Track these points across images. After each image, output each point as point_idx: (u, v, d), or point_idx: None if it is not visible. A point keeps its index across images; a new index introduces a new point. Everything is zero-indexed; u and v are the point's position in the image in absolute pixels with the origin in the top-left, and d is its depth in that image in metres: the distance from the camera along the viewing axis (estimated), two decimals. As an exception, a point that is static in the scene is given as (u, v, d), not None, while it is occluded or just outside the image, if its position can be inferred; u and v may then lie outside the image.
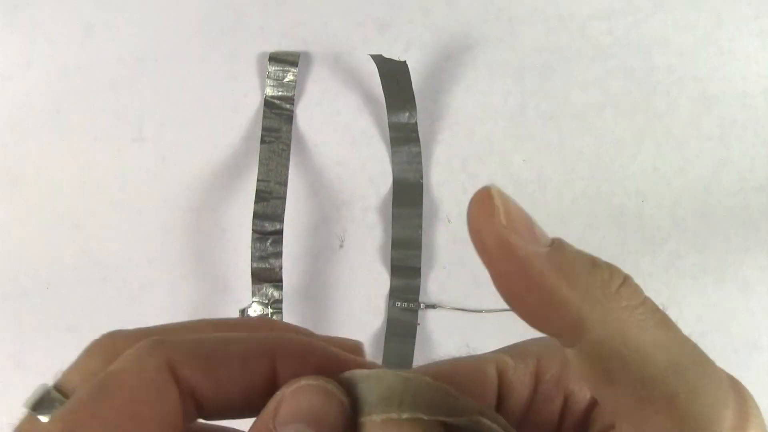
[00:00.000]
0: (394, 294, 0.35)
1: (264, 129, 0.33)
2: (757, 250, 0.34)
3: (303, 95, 0.34)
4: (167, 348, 0.15)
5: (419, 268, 0.34)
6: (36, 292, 0.33)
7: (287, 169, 0.33)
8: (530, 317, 0.14)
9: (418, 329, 0.35)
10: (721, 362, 0.14)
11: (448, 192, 0.34)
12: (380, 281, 0.34)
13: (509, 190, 0.38)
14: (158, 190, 0.33)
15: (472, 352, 0.17)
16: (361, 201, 0.34)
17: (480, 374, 0.17)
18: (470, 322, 0.34)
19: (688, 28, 0.34)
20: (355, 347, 0.17)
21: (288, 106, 0.34)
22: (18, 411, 0.17)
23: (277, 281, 0.33)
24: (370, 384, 0.15)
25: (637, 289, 0.14)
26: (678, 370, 0.14)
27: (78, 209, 0.33)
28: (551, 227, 0.32)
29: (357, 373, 0.15)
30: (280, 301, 0.33)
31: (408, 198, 0.34)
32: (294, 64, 0.34)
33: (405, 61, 0.32)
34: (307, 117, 0.34)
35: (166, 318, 0.34)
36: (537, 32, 0.34)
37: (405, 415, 0.15)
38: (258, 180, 0.33)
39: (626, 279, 0.14)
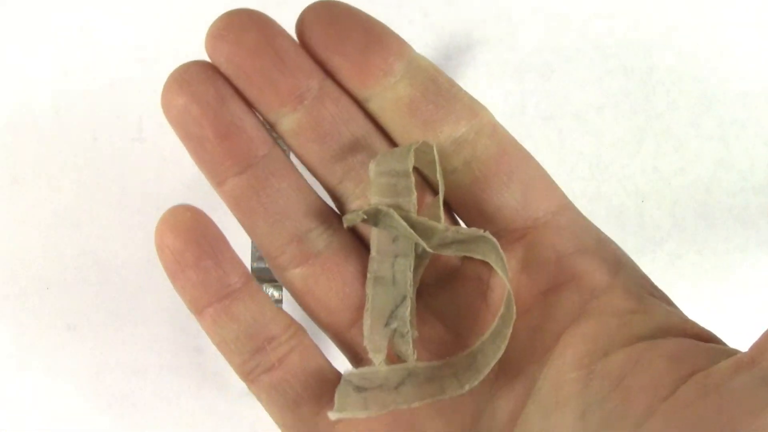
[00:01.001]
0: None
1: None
2: (757, 250, 0.34)
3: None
4: None
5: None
6: (36, 292, 0.33)
7: (287, 169, 0.33)
8: None
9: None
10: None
11: (448, 192, 0.34)
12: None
13: (509, 190, 0.37)
14: (158, 190, 0.33)
15: None
16: (361, 201, 0.34)
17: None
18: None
19: (688, 28, 0.34)
20: None
21: (288, 106, 0.34)
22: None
23: (277, 281, 0.33)
24: None
25: None
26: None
27: (78, 209, 0.33)
28: (551, 227, 0.31)
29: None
30: (280, 300, 0.33)
31: (408, 198, 0.34)
32: (294, 64, 0.33)
33: (405, 61, 0.32)
34: (307, 117, 0.34)
35: (166, 318, 0.35)
36: (537, 32, 0.34)
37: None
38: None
39: None
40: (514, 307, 0.19)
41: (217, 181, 0.20)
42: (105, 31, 0.33)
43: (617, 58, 0.34)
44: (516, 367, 0.19)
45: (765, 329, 0.16)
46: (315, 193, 0.20)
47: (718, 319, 0.36)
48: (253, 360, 0.20)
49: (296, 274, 0.20)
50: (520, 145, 0.20)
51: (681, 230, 0.34)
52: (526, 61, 0.34)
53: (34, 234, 0.33)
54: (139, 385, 0.32)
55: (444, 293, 0.20)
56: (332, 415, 0.19)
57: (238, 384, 0.33)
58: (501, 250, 0.19)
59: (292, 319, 0.20)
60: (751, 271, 0.34)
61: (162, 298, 0.33)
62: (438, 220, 0.20)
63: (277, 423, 0.20)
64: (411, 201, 0.19)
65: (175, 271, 0.20)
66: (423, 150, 0.19)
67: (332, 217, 0.20)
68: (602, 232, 0.20)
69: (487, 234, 0.19)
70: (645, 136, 0.34)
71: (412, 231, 0.19)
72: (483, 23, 0.34)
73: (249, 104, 0.20)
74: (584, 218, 0.20)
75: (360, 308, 0.20)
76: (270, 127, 0.20)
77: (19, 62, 0.33)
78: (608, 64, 0.34)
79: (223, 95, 0.19)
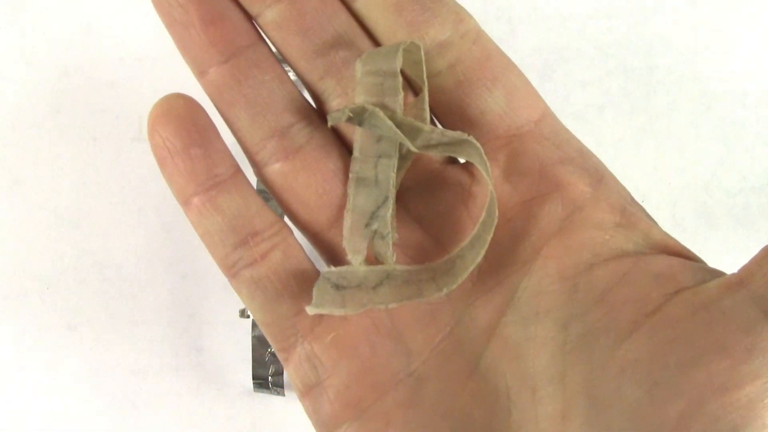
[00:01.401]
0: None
1: (264, 129, 0.33)
2: (757, 250, 0.34)
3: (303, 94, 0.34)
4: None
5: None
6: (36, 292, 0.33)
7: (287, 169, 0.33)
8: None
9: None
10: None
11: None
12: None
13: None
14: (158, 190, 0.33)
15: None
16: (361, 201, 0.34)
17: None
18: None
19: (688, 28, 0.34)
20: None
21: (288, 105, 0.34)
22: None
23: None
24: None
25: None
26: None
27: (78, 209, 0.33)
28: (551, 227, 0.31)
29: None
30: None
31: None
32: (294, 64, 0.34)
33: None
34: (307, 117, 0.34)
35: (166, 318, 0.35)
36: (537, 32, 0.34)
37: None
38: (258, 180, 0.33)
39: None
40: (497, 212, 0.18)
41: (200, 70, 0.20)
42: (105, 31, 0.33)
43: (617, 58, 0.34)
44: (496, 276, 0.19)
45: (755, 254, 0.17)
46: (297, 88, 0.20)
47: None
48: (236, 253, 0.19)
49: (276, 169, 0.20)
50: (504, 53, 0.20)
51: (681, 230, 0.34)
52: (526, 61, 0.34)
53: (34, 234, 0.33)
54: (139, 385, 0.33)
55: (424, 198, 0.20)
56: (310, 310, 0.19)
57: (238, 384, 0.33)
58: (485, 155, 0.19)
59: (277, 217, 0.20)
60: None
61: (162, 298, 0.33)
62: (422, 120, 0.19)
63: (257, 320, 0.20)
64: (397, 101, 0.19)
65: (164, 157, 0.19)
66: (409, 50, 0.19)
67: (313, 113, 0.20)
68: (583, 144, 0.20)
69: (471, 138, 0.19)
70: (645, 136, 0.34)
71: (397, 130, 0.19)
72: (483, 23, 0.34)
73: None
74: (565, 129, 0.20)
75: (339, 208, 0.20)
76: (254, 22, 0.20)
77: (20, 62, 0.33)
78: (608, 64, 0.34)
79: None
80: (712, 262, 0.34)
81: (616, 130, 0.34)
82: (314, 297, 0.19)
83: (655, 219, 0.18)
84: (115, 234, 0.33)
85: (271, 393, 0.31)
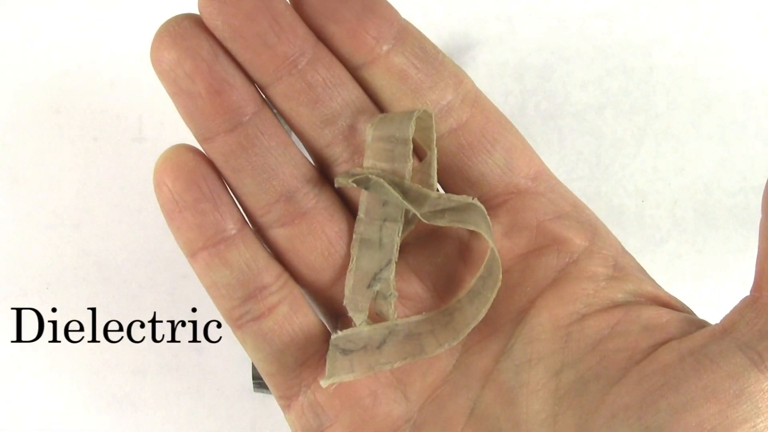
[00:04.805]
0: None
1: (264, 129, 0.33)
2: (756, 250, 0.34)
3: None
4: None
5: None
6: (36, 292, 0.33)
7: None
8: None
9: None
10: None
11: (448, 192, 0.34)
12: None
13: (509, 190, 0.36)
14: (158, 190, 0.33)
15: None
16: (361, 201, 0.34)
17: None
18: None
19: (688, 28, 0.34)
20: None
21: (288, 106, 0.34)
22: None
23: None
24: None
25: None
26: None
27: (78, 209, 0.33)
28: (551, 227, 0.30)
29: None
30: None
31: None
32: (294, 64, 0.33)
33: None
34: (307, 117, 0.34)
35: (166, 318, 0.34)
36: (537, 32, 0.34)
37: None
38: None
39: None
40: (500, 274, 0.19)
41: (205, 137, 0.20)
42: (105, 30, 0.33)
43: (617, 58, 0.34)
44: (491, 325, 0.19)
45: (734, 305, 0.17)
46: (301, 153, 0.20)
47: (718, 318, 0.36)
48: (243, 307, 0.20)
49: (281, 233, 0.20)
50: (501, 112, 0.21)
51: (681, 230, 0.34)
52: (526, 61, 0.34)
53: (34, 234, 0.33)
54: (139, 385, 0.33)
55: (423, 251, 0.21)
56: (324, 383, 0.19)
57: (238, 384, 0.33)
58: (488, 218, 0.19)
59: (282, 269, 0.20)
60: (750, 271, 0.34)
61: (162, 298, 0.33)
62: (429, 186, 0.20)
63: (260, 370, 0.20)
64: (407, 168, 0.19)
65: (172, 211, 0.19)
66: (420, 117, 0.20)
67: (317, 175, 0.20)
68: (577, 197, 0.21)
69: (476, 201, 0.19)
70: (645, 136, 0.34)
71: (403, 200, 0.19)
72: (483, 23, 0.34)
73: (238, 64, 0.19)
74: (560, 183, 0.21)
75: (342, 267, 0.20)
76: (260, 90, 0.20)
77: (20, 62, 0.33)
78: (608, 64, 0.34)
79: (215, 51, 0.19)
80: (712, 262, 0.34)
81: (616, 130, 0.34)
82: (327, 368, 0.19)
83: (655, 219, 0.19)
84: (115, 234, 0.33)
85: (271, 393, 0.31)
